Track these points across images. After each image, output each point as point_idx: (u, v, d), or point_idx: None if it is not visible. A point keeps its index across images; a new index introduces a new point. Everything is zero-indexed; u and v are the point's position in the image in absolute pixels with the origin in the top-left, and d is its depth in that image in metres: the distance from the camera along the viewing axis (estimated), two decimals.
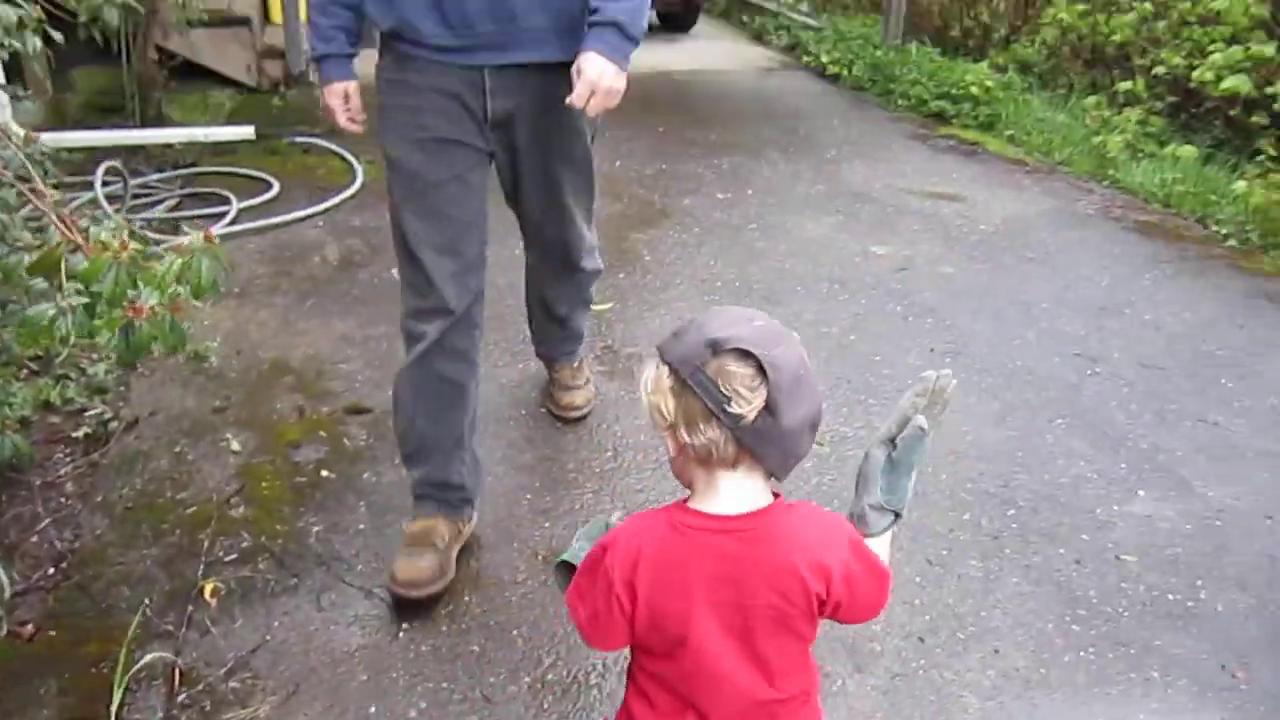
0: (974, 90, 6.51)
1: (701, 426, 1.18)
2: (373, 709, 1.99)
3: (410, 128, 2.18)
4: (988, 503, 2.74)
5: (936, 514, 2.67)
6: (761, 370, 1.16)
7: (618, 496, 2.68)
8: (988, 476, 2.85)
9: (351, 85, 2.31)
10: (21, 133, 2.57)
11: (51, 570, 2.32)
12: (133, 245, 1.70)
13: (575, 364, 3.03)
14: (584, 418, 3.01)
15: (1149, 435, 3.10)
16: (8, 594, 2.18)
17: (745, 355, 1.16)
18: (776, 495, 1.28)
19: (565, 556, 1.38)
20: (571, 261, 2.67)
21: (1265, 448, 3.06)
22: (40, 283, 2.38)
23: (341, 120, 2.35)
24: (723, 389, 1.16)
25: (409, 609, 2.23)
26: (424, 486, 2.36)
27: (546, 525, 2.54)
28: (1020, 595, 2.41)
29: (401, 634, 2.18)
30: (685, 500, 1.27)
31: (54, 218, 1.85)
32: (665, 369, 1.22)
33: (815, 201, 4.91)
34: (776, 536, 1.24)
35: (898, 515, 1.41)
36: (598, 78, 2.05)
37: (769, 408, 1.17)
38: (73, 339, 2.24)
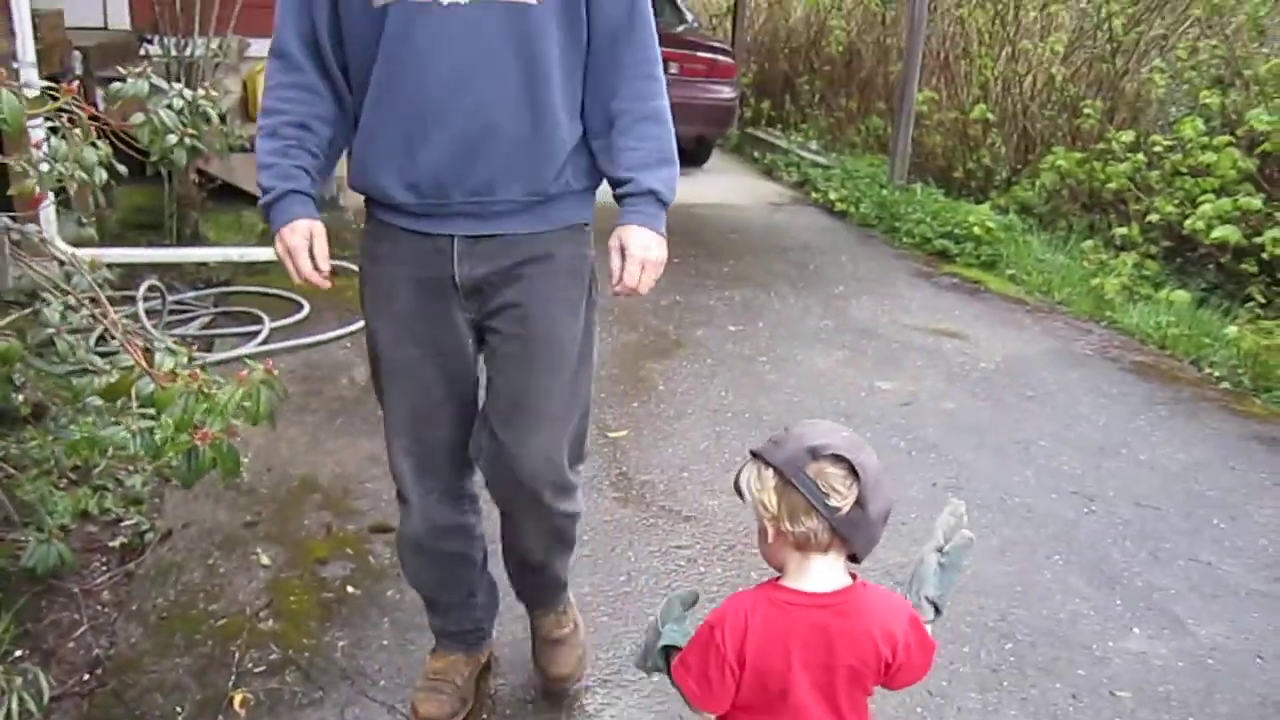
0: (976, 230, 6.78)
1: (802, 518, 1.47)
2: None
3: (382, 300, 2.12)
4: (987, 636, 2.83)
5: (937, 646, 2.76)
6: (853, 471, 1.46)
7: (631, 620, 2.78)
8: (987, 610, 2.95)
9: (317, 226, 2.00)
10: (89, 257, 2.77)
11: (87, 676, 2.43)
12: (202, 374, 1.87)
13: (560, 609, 2.47)
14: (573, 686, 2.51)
15: (1144, 573, 3.20)
16: (46, 699, 2.29)
17: (839, 459, 1.46)
18: (854, 576, 1.56)
19: (665, 642, 1.62)
20: (537, 496, 2.11)
21: (1256, 588, 3.16)
22: (95, 400, 2.56)
23: (305, 267, 2.04)
24: (821, 487, 1.45)
25: None
26: (441, 632, 2.41)
27: None
28: None
29: None
30: (777, 580, 1.57)
31: (125, 344, 2.02)
32: (770, 470, 1.48)
33: (824, 335, 5.11)
34: (859, 610, 1.53)
35: (939, 610, 1.73)
36: (644, 252, 1.98)
37: (859, 502, 1.46)
38: (92, 452, 2.40)
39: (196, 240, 5.87)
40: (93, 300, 2.47)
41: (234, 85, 7.36)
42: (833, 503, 1.45)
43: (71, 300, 2.56)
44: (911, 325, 5.36)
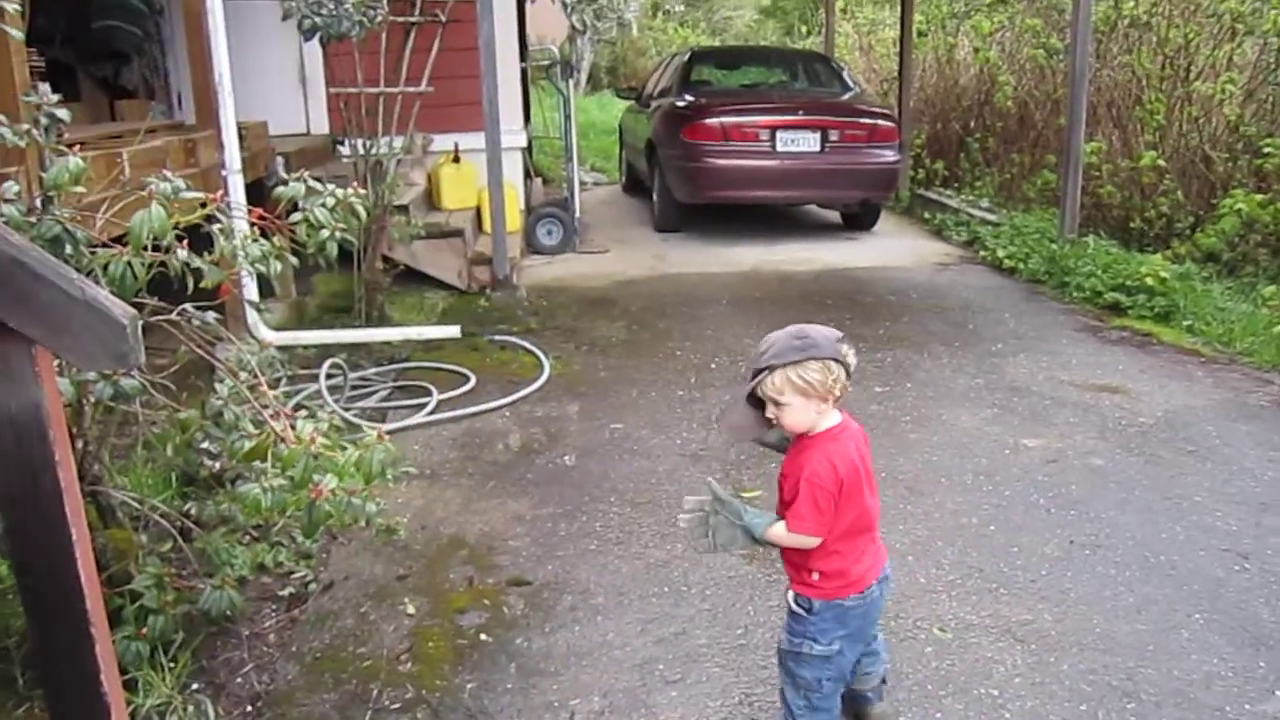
0: (1149, 281, 6.54)
1: (845, 380, 2.24)
2: None
3: None
4: (1108, 695, 2.77)
5: (1052, 704, 2.73)
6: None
7: (742, 672, 2.88)
8: (1111, 669, 2.88)
9: None
10: (258, 339, 3.16)
11: (249, 708, 2.74)
12: (320, 440, 2.14)
13: None
14: None
15: None
16: None
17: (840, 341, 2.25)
18: None
19: (761, 527, 2.30)
20: None
21: None
22: (259, 463, 2.91)
23: None
24: (849, 356, 2.24)
25: None
26: None
27: (674, 694, 2.77)
28: None
29: None
30: (817, 431, 2.27)
31: (267, 415, 2.34)
32: (832, 361, 2.20)
33: (973, 395, 5.07)
34: (853, 423, 2.35)
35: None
36: None
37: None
38: (272, 511, 2.72)
39: (383, 321, 6.39)
40: (256, 377, 2.83)
41: (419, 178, 8.02)
42: (850, 361, 2.24)
43: (244, 377, 2.93)
44: (1068, 381, 5.23)
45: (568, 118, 8.90)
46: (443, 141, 8.02)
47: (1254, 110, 7.58)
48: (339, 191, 3.11)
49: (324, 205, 3.04)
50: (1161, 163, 7.68)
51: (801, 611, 2.35)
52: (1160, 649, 2.98)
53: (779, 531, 2.29)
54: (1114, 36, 8.89)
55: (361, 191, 3.19)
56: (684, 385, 5.20)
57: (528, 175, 9.73)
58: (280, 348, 5.16)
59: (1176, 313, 6.35)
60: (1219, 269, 7.04)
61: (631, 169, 11.78)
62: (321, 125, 8.04)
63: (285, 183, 3.04)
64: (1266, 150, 6.92)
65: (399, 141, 6.51)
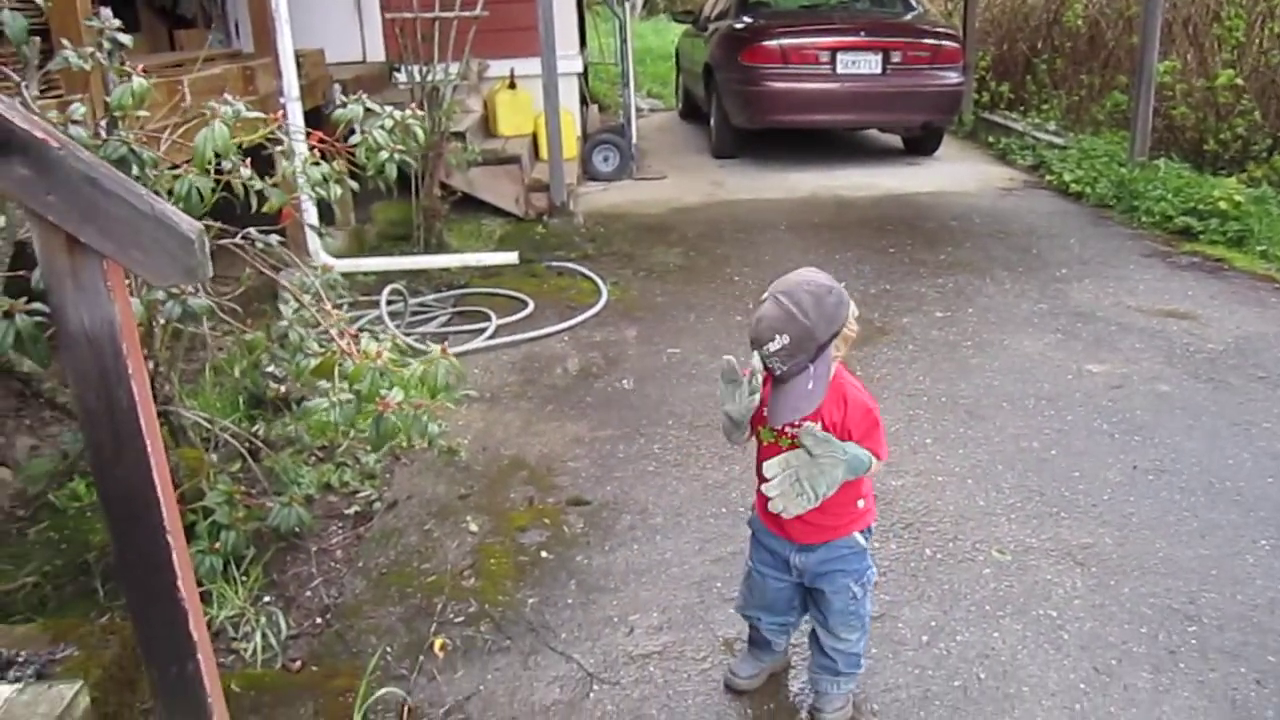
0: (1223, 204, 6.35)
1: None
2: None
3: None
4: (1170, 618, 2.75)
5: (1112, 625, 2.72)
6: None
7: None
8: (1174, 593, 2.86)
9: None
10: (320, 264, 3.20)
11: (319, 620, 2.82)
12: (386, 354, 2.17)
13: None
14: None
15: None
16: (284, 635, 2.71)
17: None
18: None
19: (859, 459, 2.17)
20: None
21: None
22: (325, 383, 2.97)
23: None
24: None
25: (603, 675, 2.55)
26: None
27: (731, 612, 2.79)
28: (1190, 710, 2.43)
29: (591, 695, 2.50)
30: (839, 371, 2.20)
31: (333, 333, 2.37)
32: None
33: (1036, 320, 4.99)
34: None
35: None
36: None
37: None
38: (341, 427, 2.77)
39: (441, 248, 6.42)
40: (320, 300, 2.88)
41: (475, 104, 8.00)
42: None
43: (307, 299, 2.98)
44: (1135, 307, 5.12)
45: (624, 42, 8.78)
46: (499, 68, 7.98)
47: None
48: (397, 113, 3.12)
49: (382, 127, 3.05)
50: (1239, 81, 7.39)
51: (864, 544, 2.32)
52: (1224, 574, 2.95)
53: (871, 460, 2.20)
54: None
55: (419, 113, 3.19)
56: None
57: (584, 102, 9.65)
58: (342, 274, 5.26)
59: (1250, 238, 6.16)
60: None
61: (688, 95, 11.63)
62: (377, 53, 8.03)
63: (344, 106, 3.06)
64: None
65: (454, 68, 6.48)
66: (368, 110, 3.05)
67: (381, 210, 6.80)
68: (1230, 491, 3.38)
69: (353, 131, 3.05)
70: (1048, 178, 8.14)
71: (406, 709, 2.45)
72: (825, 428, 2.15)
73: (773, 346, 2.03)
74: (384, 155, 3.00)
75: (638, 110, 10.28)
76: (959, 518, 3.26)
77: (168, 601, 1.82)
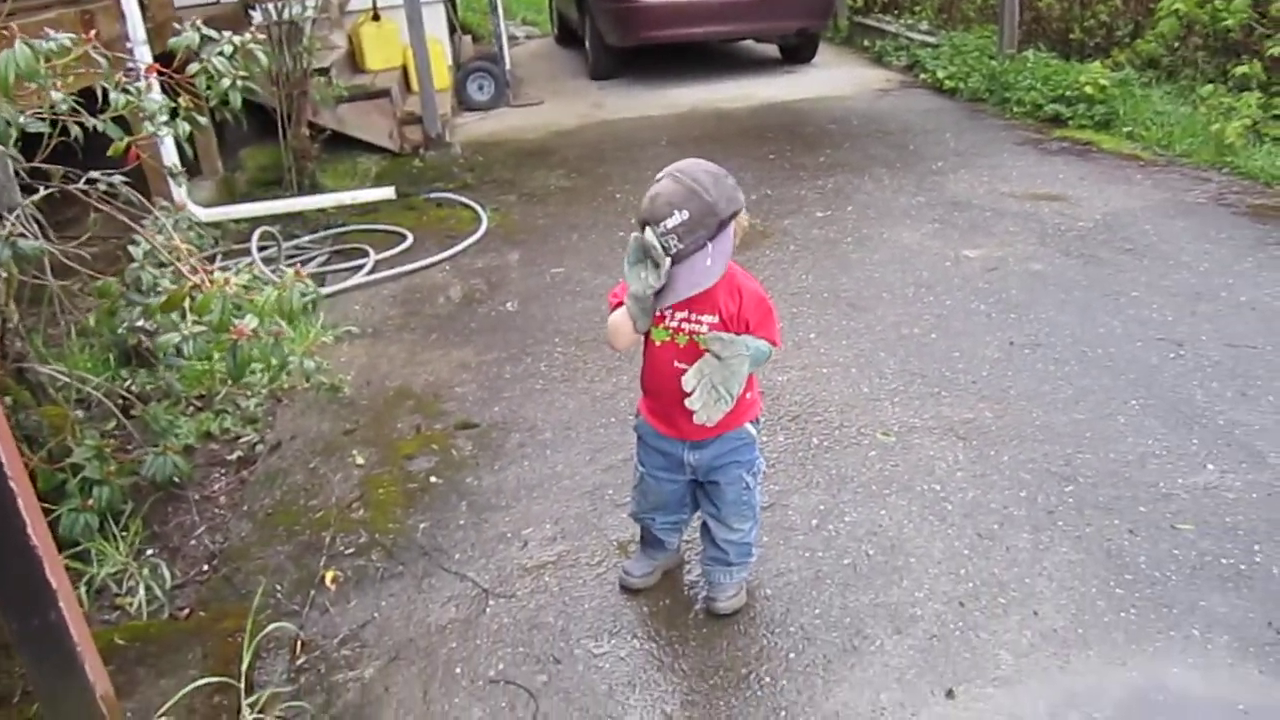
0: (1089, 90, 6.48)
1: None
2: (458, 669, 2.30)
3: None
4: (1047, 481, 2.84)
5: (993, 492, 2.80)
6: None
7: None
8: (1050, 457, 2.95)
9: None
10: (173, 204, 3.06)
11: (205, 567, 2.75)
12: (235, 281, 2.08)
13: None
14: None
15: (1227, 411, 3.12)
16: (169, 585, 2.63)
17: None
18: None
19: (761, 350, 2.18)
20: None
21: None
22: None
23: None
24: None
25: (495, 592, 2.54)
26: None
27: (623, 517, 2.80)
28: (1068, 563, 2.52)
29: (487, 609, 2.49)
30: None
31: (182, 266, 2.27)
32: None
33: (914, 212, 5.05)
34: None
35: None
36: None
37: None
38: (213, 379, 2.67)
39: (315, 189, 6.21)
40: (170, 238, 2.75)
41: (339, 40, 7.70)
42: None
43: (159, 240, 2.84)
44: (1009, 193, 5.22)
45: None
46: (361, 1, 7.69)
47: None
48: (236, 38, 2.97)
49: (221, 53, 2.91)
50: None
51: (754, 434, 2.33)
52: (1097, 435, 3.05)
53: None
54: None
55: (261, 37, 3.04)
56: (624, 226, 5.14)
57: (454, 31, 9.39)
58: (212, 224, 5.04)
59: (1116, 120, 6.32)
60: (1158, 74, 6.97)
61: (563, 19, 11.39)
62: None
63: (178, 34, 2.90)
64: None
65: (313, 2, 6.21)
66: (205, 36, 2.90)
67: (250, 156, 6.55)
68: (1102, 358, 3.48)
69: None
70: (922, 76, 8.21)
71: (299, 642, 2.40)
72: (722, 319, 2.14)
73: (671, 222, 1.97)
74: (226, 83, 2.87)
75: (513, 38, 10.07)
76: (844, 406, 3.30)
77: (18, 550, 1.73)
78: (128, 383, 3.36)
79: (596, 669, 2.28)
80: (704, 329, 2.15)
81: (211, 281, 2.10)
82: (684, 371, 2.14)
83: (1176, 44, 7.08)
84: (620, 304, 2.16)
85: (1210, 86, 6.19)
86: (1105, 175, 5.44)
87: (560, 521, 2.82)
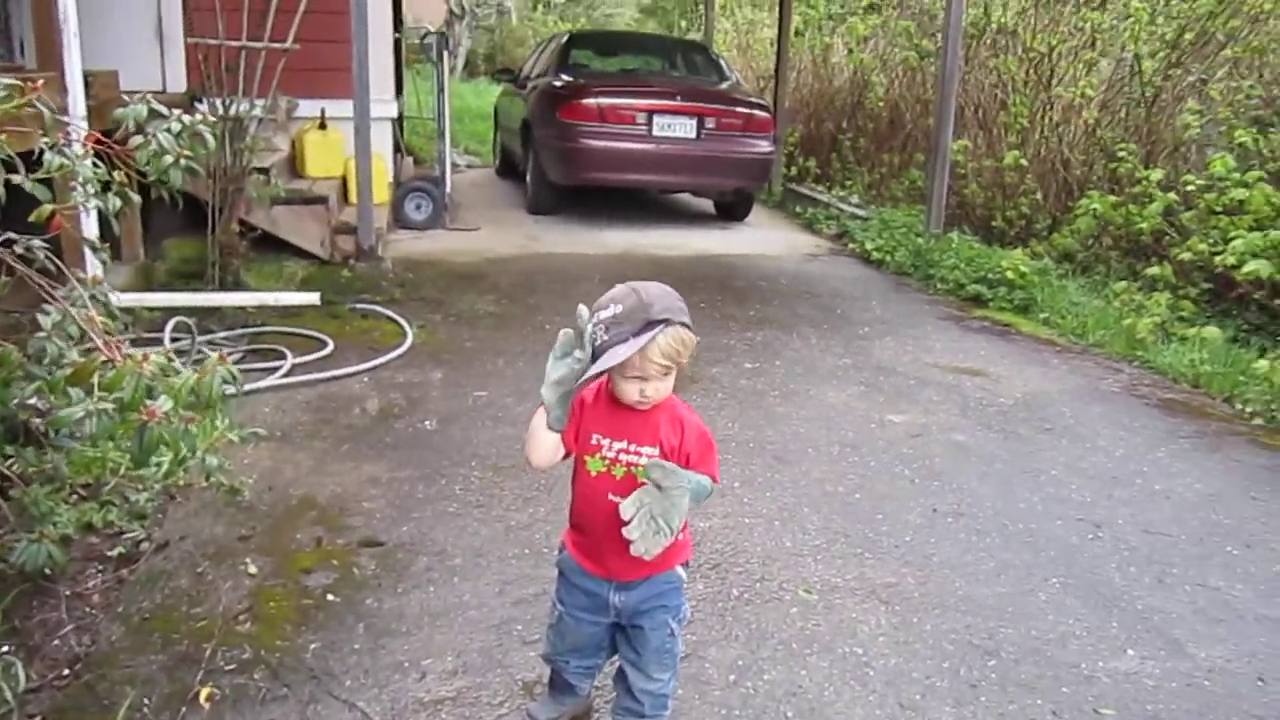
0: (1010, 275, 6.72)
1: None
2: None
3: None
4: (970, 653, 2.77)
5: (916, 661, 2.71)
6: None
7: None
8: (974, 629, 2.89)
9: None
10: (89, 276, 2.90)
11: (66, 671, 2.49)
12: (154, 358, 1.94)
13: None
14: None
15: (1145, 597, 3.11)
16: (21, 688, 2.36)
17: None
18: None
19: (702, 486, 2.05)
20: None
21: (1266, 613, 3.06)
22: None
23: None
24: None
25: None
26: None
27: (531, 654, 2.63)
28: None
29: None
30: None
31: (96, 338, 2.12)
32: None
33: (840, 373, 5.09)
34: None
35: None
36: None
37: None
38: (103, 468, 2.47)
39: (238, 287, 6.05)
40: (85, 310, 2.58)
41: (282, 143, 7.66)
42: None
43: (74, 312, 2.68)
44: (933, 364, 5.32)
45: (441, 90, 8.66)
46: (309, 108, 7.69)
47: (1109, 119, 7.89)
48: (185, 117, 2.89)
49: (169, 130, 2.81)
50: (1024, 162, 7.91)
51: (684, 577, 2.23)
52: (1019, 610, 3.00)
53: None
54: (983, 42, 9.15)
55: (211, 118, 2.96)
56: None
57: (398, 150, 9.45)
58: (124, 309, 4.84)
59: (1034, 305, 6.54)
60: (1073, 268, 7.29)
61: (506, 152, 11.60)
62: (179, 83, 7.61)
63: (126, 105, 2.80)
64: (1120, 154, 7.20)
65: (261, 104, 6.20)
66: (153, 110, 2.81)
67: (174, 246, 6.38)
68: (1023, 533, 3.47)
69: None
70: (851, 246, 8.47)
71: None
72: (663, 451, 2.05)
73: (604, 314, 1.95)
74: (168, 159, 2.76)
75: (454, 166, 10.15)
76: (766, 558, 3.21)
77: None
78: (10, 462, 3.13)
79: None
80: (643, 460, 2.06)
81: (127, 358, 1.95)
82: (618, 505, 2.03)
83: (1091, 241, 7.45)
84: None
85: (1124, 283, 6.47)
86: (1024, 356, 5.59)
87: (463, 654, 2.64)
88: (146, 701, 2.36)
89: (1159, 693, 2.65)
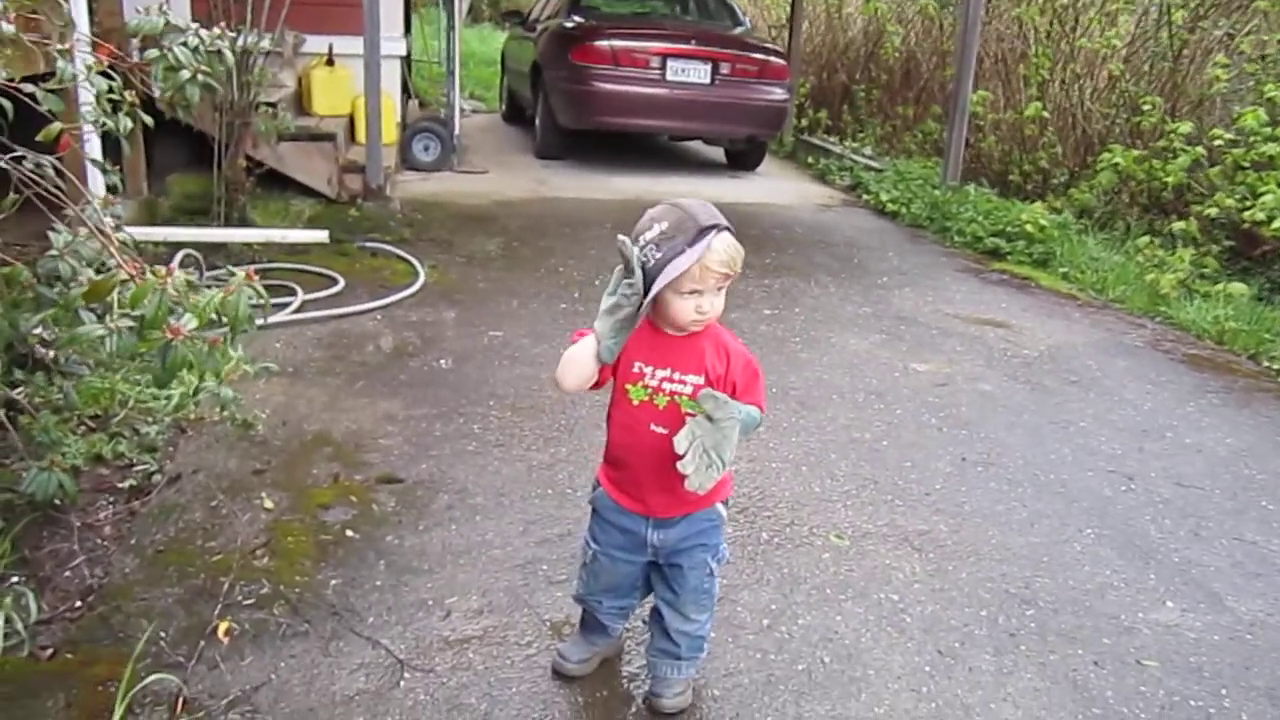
0: (1029, 228, 6.60)
1: None
2: None
3: None
4: (1007, 602, 2.70)
5: (953, 609, 2.64)
6: None
7: None
8: (1009, 578, 2.81)
9: None
10: (101, 195, 2.79)
11: (78, 603, 2.41)
12: (178, 275, 1.84)
13: None
14: None
15: (1181, 550, 3.04)
16: (33, 619, 2.28)
17: None
18: None
19: (751, 416, 1.97)
20: None
21: None
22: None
23: None
24: None
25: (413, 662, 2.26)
26: None
27: (558, 595, 2.56)
28: (1034, 691, 2.35)
29: (402, 683, 2.21)
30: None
31: (114, 252, 2.01)
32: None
33: (861, 321, 4.99)
34: None
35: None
36: None
37: None
38: (113, 399, 2.36)
39: (244, 224, 5.92)
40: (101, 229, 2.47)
41: (289, 80, 7.48)
42: None
43: (83, 233, 2.57)
44: (953, 315, 5.22)
45: (452, 28, 8.46)
46: (316, 44, 7.50)
47: (1133, 72, 7.72)
48: (204, 32, 2.76)
49: (185, 44, 2.68)
50: (1045, 114, 7.75)
51: (724, 514, 2.15)
52: (1054, 560, 2.93)
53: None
54: None
55: (230, 33, 2.83)
56: (567, 299, 4.97)
57: (405, 93, 9.26)
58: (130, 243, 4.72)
59: (1053, 260, 6.43)
60: (1091, 224, 7.17)
61: (513, 97, 11.39)
62: (184, 12, 7.37)
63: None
64: (1145, 107, 7.05)
65: (269, 38, 6.02)
66: (170, 24, 2.68)
67: (178, 182, 6.23)
68: (1054, 484, 3.40)
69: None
70: (865, 197, 8.33)
71: (181, 700, 2.08)
72: (709, 380, 1.96)
73: (649, 234, 1.86)
74: (185, 74, 2.63)
75: (461, 111, 9.95)
76: (795, 503, 3.13)
77: None
78: (18, 389, 3.03)
79: None
80: (688, 389, 1.97)
81: (150, 272, 1.85)
82: (661, 437, 1.94)
83: (1110, 197, 7.32)
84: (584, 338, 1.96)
85: (1146, 238, 6.36)
86: (1045, 310, 5.49)
87: (488, 594, 2.56)
88: (163, 635, 2.28)
89: (1201, 645, 2.59)
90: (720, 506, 2.13)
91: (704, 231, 1.85)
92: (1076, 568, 2.90)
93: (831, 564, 2.80)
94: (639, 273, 1.85)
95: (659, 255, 1.84)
